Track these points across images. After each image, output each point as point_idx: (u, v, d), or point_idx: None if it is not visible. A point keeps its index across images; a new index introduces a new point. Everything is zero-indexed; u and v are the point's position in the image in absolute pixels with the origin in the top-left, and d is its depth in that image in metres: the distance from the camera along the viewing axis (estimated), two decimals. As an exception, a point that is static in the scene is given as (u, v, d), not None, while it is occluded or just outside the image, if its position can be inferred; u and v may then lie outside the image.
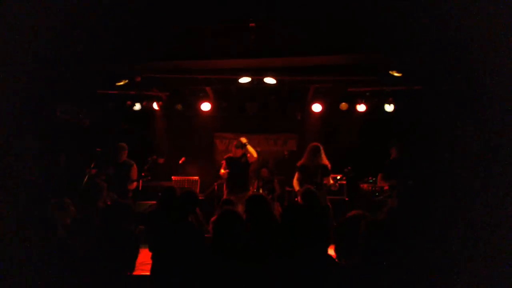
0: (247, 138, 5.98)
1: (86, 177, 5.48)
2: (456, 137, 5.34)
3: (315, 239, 2.42)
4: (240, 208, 4.41)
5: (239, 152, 5.85)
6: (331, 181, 5.55)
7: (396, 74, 5.84)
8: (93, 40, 4.93)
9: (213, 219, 3.10)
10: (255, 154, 5.77)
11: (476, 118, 4.89)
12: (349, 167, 5.63)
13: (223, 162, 5.97)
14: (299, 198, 4.22)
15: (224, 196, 5.69)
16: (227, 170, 5.83)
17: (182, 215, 3.35)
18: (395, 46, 4.86)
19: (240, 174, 5.82)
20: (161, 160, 7.12)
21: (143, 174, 6.17)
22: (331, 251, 3.64)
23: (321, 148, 5.53)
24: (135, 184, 6.03)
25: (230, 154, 6.01)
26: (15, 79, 4.67)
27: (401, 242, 2.47)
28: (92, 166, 5.54)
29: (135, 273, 3.79)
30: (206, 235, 3.48)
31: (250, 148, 5.78)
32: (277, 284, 2.31)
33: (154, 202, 5.98)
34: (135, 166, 5.98)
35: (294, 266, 2.33)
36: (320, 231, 2.47)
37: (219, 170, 6.03)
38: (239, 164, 5.84)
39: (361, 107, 6.86)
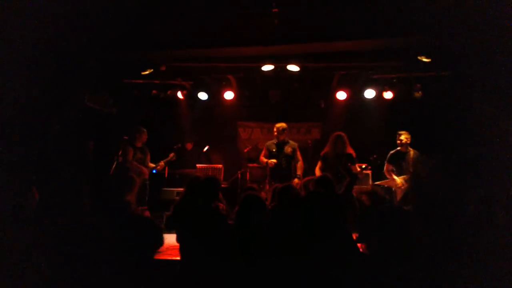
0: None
1: (114, 164, 5.62)
2: (485, 125, 5.14)
3: (332, 225, 2.39)
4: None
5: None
6: (358, 169, 5.49)
7: (425, 60, 5.64)
8: (119, 29, 5.00)
9: (236, 209, 3.11)
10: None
11: (505, 105, 4.69)
12: (374, 155, 5.52)
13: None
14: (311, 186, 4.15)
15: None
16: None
17: (206, 201, 3.38)
18: (423, 30, 4.69)
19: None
20: (189, 145, 7.23)
21: (171, 155, 6.32)
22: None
23: (345, 136, 5.45)
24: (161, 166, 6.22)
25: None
26: (44, 68, 4.80)
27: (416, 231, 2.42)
28: (119, 154, 5.67)
29: (163, 257, 3.88)
30: (229, 221, 3.52)
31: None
32: (294, 271, 2.30)
33: (179, 189, 6.11)
34: (149, 154, 6.12)
35: (313, 254, 2.32)
36: (335, 217, 2.44)
37: (244, 158, 6.10)
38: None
39: (388, 94, 6.68)
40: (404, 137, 5.91)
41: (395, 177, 5.86)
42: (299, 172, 5.68)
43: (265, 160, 5.96)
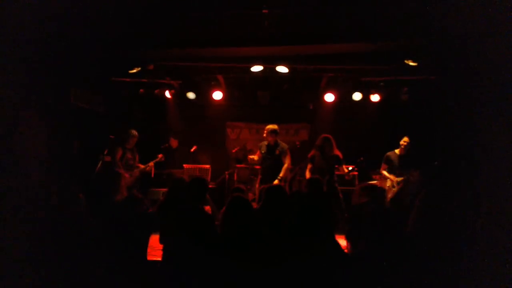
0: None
1: (100, 163, 5.56)
2: (471, 129, 5.24)
3: (318, 226, 2.40)
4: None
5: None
6: (345, 170, 5.53)
7: (411, 64, 5.73)
8: (106, 26, 4.94)
9: (223, 210, 3.11)
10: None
11: (491, 109, 4.78)
12: (361, 158, 5.58)
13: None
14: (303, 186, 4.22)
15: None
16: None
17: (193, 202, 3.37)
18: (411, 34, 4.76)
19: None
20: (174, 143, 7.17)
21: (159, 156, 6.30)
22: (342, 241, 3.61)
23: (331, 138, 5.49)
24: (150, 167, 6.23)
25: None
26: (29, 65, 4.72)
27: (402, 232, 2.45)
28: (105, 153, 5.60)
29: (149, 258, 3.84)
30: (216, 223, 3.51)
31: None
32: (282, 273, 2.31)
33: (166, 189, 6.07)
34: (137, 155, 6.16)
35: (297, 255, 2.33)
36: (322, 218, 2.45)
37: (232, 159, 6.09)
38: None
39: (375, 97, 6.75)
40: (406, 141, 5.98)
41: (389, 175, 5.91)
42: (281, 174, 5.60)
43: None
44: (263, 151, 5.86)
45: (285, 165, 5.71)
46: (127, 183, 5.79)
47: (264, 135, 5.88)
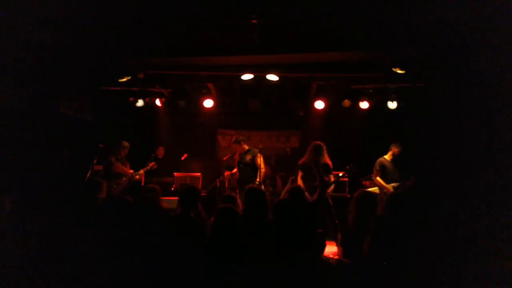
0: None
1: (89, 172, 5.51)
2: (460, 135, 5.33)
3: (302, 235, 2.41)
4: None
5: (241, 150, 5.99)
6: (332, 179, 5.56)
7: (399, 71, 5.81)
8: (96, 36, 4.93)
9: (212, 219, 3.11)
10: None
11: (479, 116, 4.87)
12: (351, 165, 5.62)
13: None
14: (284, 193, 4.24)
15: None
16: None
17: (183, 211, 3.36)
18: (398, 43, 4.83)
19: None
20: (161, 152, 7.13)
21: (151, 164, 6.31)
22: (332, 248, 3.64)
23: (323, 146, 5.51)
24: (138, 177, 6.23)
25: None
26: (18, 74, 4.68)
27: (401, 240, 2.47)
28: (94, 162, 5.57)
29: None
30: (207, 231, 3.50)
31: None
32: (267, 283, 2.31)
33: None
34: (128, 164, 6.21)
35: (281, 264, 2.34)
36: (305, 227, 2.46)
37: (223, 167, 6.16)
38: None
39: (364, 104, 6.82)
40: (398, 149, 6.06)
41: (383, 183, 5.94)
42: (258, 179, 5.68)
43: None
44: (239, 163, 6.01)
45: (261, 170, 5.75)
46: (116, 192, 5.75)
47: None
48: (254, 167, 5.84)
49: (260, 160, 5.80)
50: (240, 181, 5.95)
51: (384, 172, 5.98)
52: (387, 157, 6.07)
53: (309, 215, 2.55)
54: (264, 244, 2.71)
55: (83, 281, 2.64)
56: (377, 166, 6.02)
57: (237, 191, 5.97)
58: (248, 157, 5.91)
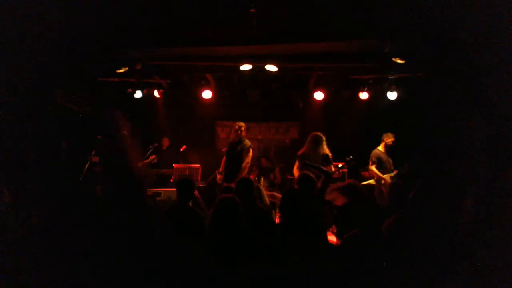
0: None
1: (87, 164, 5.50)
2: (459, 125, 5.31)
3: (314, 223, 2.42)
4: None
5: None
6: (333, 169, 5.55)
7: (399, 61, 5.76)
8: (93, 26, 4.88)
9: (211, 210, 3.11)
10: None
11: (478, 106, 4.85)
12: (351, 156, 5.63)
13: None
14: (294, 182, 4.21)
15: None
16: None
17: (181, 202, 3.36)
18: (398, 32, 4.79)
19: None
20: (166, 141, 7.11)
21: (151, 157, 6.26)
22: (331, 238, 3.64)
23: (323, 137, 5.50)
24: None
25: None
26: (14, 65, 4.64)
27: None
28: (93, 153, 5.55)
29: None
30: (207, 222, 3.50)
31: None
32: (272, 271, 2.32)
33: (156, 189, 6.06)
34: None
35: (291, 253, 2.34)
36: (316, 215, 2.47)
37: (221, 158, 6.06)
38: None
39: (364, 95, 6.79)
40: (391, 138, 6.07)
41: (379, 173, 5.97)
42: (240, 174, 5.47)
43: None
44: (227, 148, 5.87)
45: (243, 164, 5.64)
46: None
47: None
48: (241, 161, 5.70)
49: (248, 155, 5.70)
50: (227, 169, 5.77)
51: (380, 163, 6.01)
52: (381, 148, 6.13)
53: (317, 205, 2.56)
54: (267, 235, 2.72)
55: (81, 271, 2.64)
56: (373, 158, 6.08)
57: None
58: (238, 148, 5.76)
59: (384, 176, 5.92)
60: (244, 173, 5.57)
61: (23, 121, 5.29)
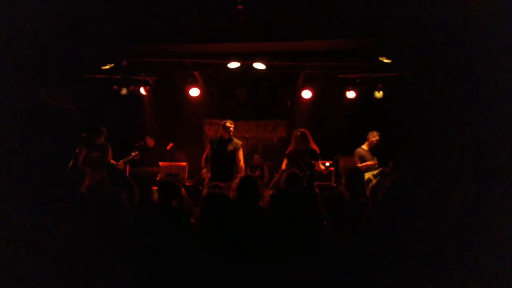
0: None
1: (71, 162, 5.41)
2: (446, 124, 5.38)
3: (307, 223, 2.42)
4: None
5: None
6: (322, 167, 5.56)
7: (385, 61, 5.81)
8: (78, 22, 4.79)
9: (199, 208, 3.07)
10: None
11: (466, 105, 4.92)
12: (338, 155, 5.66)
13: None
14: (281, 182, 4.15)
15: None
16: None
17: (164, 202, 3.33)
18: (385, 32, 4.82)
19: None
20: (151, 142, 7.03)
21: (134, 154, 6.14)
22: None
23: (307, 133, 5.50)
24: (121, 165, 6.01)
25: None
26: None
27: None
28: (77, 151, 5.45)
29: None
30: (192, 220, 3.46)
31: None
32: (263, 268, 2.30)
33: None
34: (110, 148, 5.79)
35: (284, 251, 2.33)
36: (309, 214, 2.47)
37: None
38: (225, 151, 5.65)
39: (351, 94, 6.83)
40: (376, 137, 6.11)
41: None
42: (240, 173, 5.37)
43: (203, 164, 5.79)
44: (214, 146, 5.65)
45: (240, 163, 5.54)
46: (91, 182, 5.56)
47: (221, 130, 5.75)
48: (233, 160, 5.57)
49: (241, 154, 5.64)
50: (217, 169, 5.56)
51: (363, 162, 6.05)
52: (364, 146, 6.18)
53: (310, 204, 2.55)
54: (260, 234, 2.69)
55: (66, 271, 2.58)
56: (355, 157, 6.11)
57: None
58: (230, 147, 5.61)
59: (366, 174, 5.94)
60: (243, 172, 5.50)
61: (7, 119, 5.17)
